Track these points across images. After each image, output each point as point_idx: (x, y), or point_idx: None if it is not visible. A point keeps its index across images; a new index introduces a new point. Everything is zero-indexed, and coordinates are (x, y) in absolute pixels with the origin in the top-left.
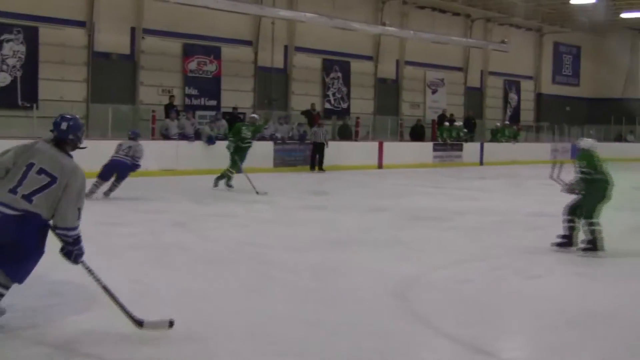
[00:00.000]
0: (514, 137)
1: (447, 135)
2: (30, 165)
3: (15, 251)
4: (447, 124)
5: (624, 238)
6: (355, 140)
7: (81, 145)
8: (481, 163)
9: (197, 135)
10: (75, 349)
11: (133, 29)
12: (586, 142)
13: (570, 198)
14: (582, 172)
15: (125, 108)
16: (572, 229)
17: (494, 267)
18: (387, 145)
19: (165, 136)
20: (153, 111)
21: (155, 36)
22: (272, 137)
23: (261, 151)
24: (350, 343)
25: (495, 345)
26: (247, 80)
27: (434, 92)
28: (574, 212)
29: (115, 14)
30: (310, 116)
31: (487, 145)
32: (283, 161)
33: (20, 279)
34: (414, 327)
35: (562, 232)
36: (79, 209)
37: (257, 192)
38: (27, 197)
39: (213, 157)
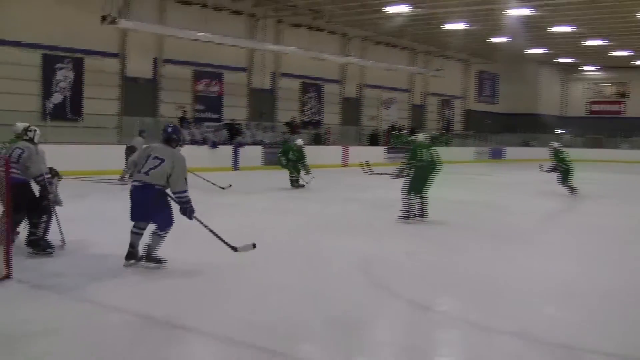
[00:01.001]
0: (447, 143)
1: (396, 141)
2: (149, 156)
3: (149, 209)
4: (395, 132)
5: (538, 222)
6: (326, 145)
7: (182, 144)
8: None
9: (204, 141)
10: (109, 304)
11: (155, 59)
12: (418, 136)
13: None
14: (405, 162)
15: (149, 120)
16: (408, 204)
17: (439, 244)
18: (350, 149)
19: None
20: (170, 123)
21: (173, 64)
22: (261, 142)
23: (253, 153)
24: (327, 305)
25: (438, 303)
26: (243, 99)
27: (386, 108)
28: (407, 191)
29: (141, 47)
30: (291, 126)
31: None
32: (270, 161)
33: (163, 226)
34: (377, 292)
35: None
36: (185, 178)
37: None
38: (146, 173)
39: (215, 158)
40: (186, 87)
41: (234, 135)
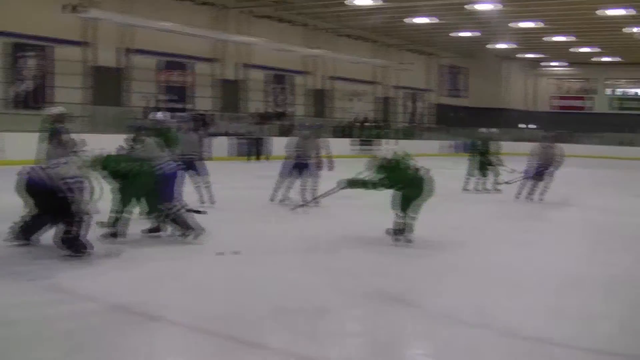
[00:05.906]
0: (411, 136)
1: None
2: None
3: None
4: (358, 124)
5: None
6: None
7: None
8: None
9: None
10: (80, 293)
11: (123, 48)
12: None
13: None
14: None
15: (116, 110)
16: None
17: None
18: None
19: None
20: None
21: (140, 54)
22: (227, 133)
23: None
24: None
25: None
26: (210, 89)
27: (350, 100)
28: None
29: (108, 37)
30: (262, 117)
31: None
32: (240, 152)
33: None
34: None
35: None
36: None
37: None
38: None
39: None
40: (153, 77)
41: (200, 125)
